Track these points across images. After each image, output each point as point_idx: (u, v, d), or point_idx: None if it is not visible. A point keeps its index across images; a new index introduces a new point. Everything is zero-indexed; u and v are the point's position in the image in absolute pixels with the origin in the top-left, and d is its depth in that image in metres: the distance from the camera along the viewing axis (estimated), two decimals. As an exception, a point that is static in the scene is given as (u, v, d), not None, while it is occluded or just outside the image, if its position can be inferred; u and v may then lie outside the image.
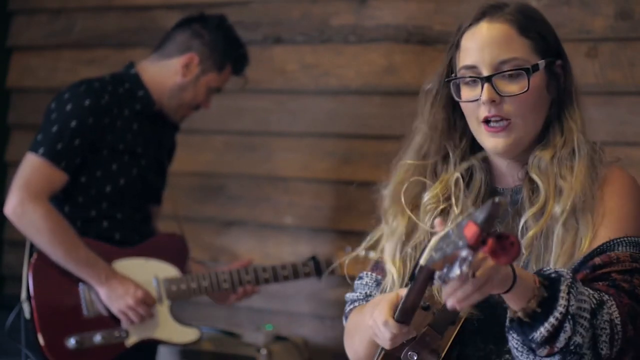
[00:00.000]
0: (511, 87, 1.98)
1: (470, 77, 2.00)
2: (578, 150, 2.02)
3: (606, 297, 1.83)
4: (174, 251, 3.51)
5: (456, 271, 1.59)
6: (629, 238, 1.93)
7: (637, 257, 1.91)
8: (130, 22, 4.35)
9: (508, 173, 2.09)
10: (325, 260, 3.59)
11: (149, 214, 3.53)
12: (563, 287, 1.76)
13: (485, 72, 1.98)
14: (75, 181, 3.33)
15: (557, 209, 1.96)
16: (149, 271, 3.41)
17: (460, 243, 1.56)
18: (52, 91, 3.57)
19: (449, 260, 1.61)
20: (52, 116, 3.31)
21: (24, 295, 3.29)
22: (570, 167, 2.00)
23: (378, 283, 2.17)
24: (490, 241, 1.55)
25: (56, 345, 3.26)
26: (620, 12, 3.38)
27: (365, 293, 2.19)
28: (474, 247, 1.55)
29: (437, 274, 1.65)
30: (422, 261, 1.69)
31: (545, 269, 1.82)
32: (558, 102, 2.05)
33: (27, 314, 3.28)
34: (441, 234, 1.66)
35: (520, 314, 1.78)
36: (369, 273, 2.21)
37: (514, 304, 1.78)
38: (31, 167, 3.26)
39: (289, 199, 4.06)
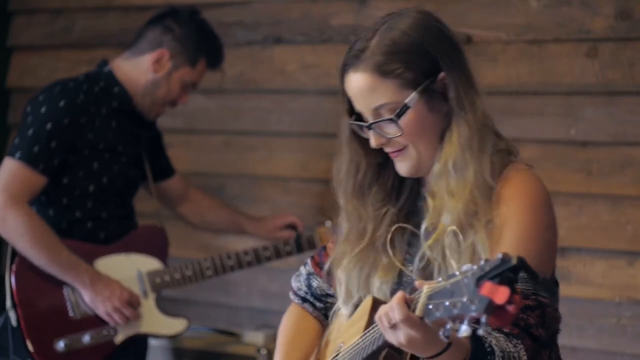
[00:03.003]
0: (391, 129, 2.00)
1: (356, 124, 2.06)
2: (460, 163, 1.98)
3: (520, 347, 1.84)
4: (154, 243, 3.50)
5: (466, 329, 1.57)
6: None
7: (527, 294, 1.90)
8: (130, 22, 4.34)
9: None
10: (306, 237, 3.61)
11: (132, 209, 3.53)
12: None
13: (368, 118, 2.02)
14: (57, 183, 3.31)
15: (446, 221, 1.97)
16: (131, 266, 3.40)
17: (474, 306, 1.54)
18: (52, 91, 3.57)
19: (458, 319, 1.58)
20: (27, 119, 3.29)
21: (9, 303, 3.27)
22: (456, 179, 1.98)
23: (309, 276, 2.26)
24: (517, 298, 1.54)
25: (45, 350, 3.24)
26: (620, 12, 3.38)
27: (297, 287, 2.28)
28: (500, 307, 1.53)
29: (442, 330, 1.62)
30: (418, 312, 1.68)
31: (483, 338, 1.81)
32: (450, 113, 2.01)
33: (13, 322, 3.26)
34: (434, 287, 1.66)
35: None
36: (309, 263, 2.29)
37: None
38: (9, 171, 3.23)
39: (289, 199, 4.06)
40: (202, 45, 3.45)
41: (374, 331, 1.90)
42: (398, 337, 1.74)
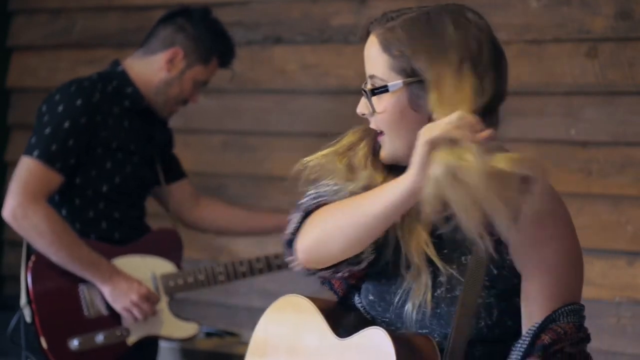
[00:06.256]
0: (376, 104, 1.92)
1: (363, 89, 1.96)
2: None
3: None
4: (169, 246, 3.51)
5: None
6: (569, 307, 1.95)
7: (579, 326, 1.98)
8: (130, 22, 4.35)
9: None
10: None
11: (144, 210, 3.54)
12: None
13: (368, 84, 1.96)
14: (70, 183, 3.31)
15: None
16: (146, 268, 3.41)
17: None
18: (52, 91, 3.58)
19: None
20: (44, 118, 3.30)
21: (23, 299, 3.28)
22: None
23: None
24: None
25: (59, 348, 3.25)
26: (620, 12, 3.38)
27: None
28: None
29: None
30: None
31: None
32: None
33: (28, 318, 3.27)
34: None
35: None
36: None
37: None
38: (27, 169, 3.25)
39: (289, 199, 4.05)
40: (215, 44, 3.46)
41: None
42: None
